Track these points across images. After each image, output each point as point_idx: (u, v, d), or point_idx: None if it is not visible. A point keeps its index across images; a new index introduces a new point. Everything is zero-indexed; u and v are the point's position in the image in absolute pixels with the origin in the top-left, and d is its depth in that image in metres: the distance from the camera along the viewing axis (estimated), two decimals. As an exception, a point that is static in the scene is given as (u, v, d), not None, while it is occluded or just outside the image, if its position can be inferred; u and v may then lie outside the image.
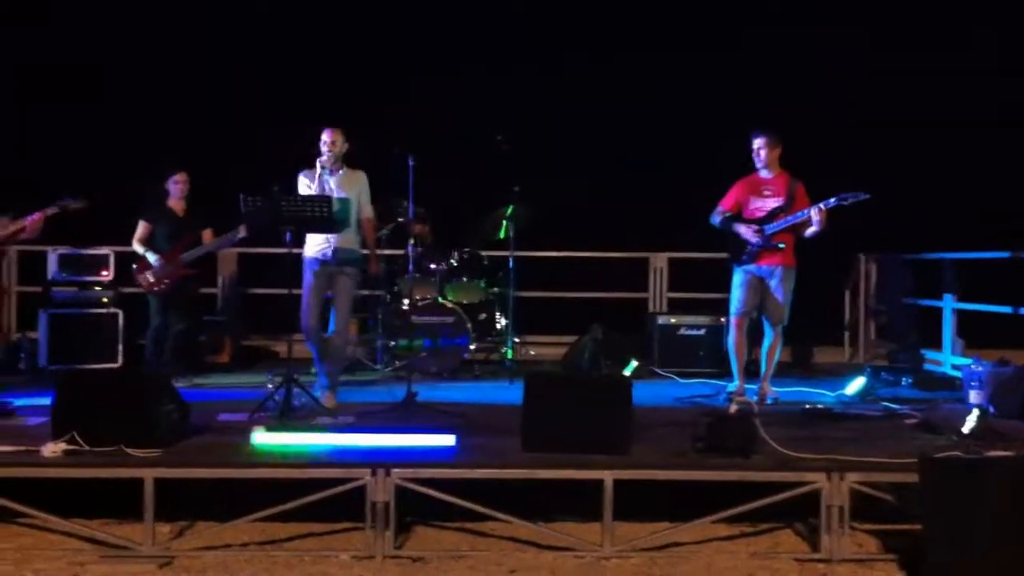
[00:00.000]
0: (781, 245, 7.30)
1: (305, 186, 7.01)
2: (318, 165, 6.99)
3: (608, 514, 5.19)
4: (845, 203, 6.97)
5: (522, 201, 9.13)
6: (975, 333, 9.57)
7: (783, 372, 8.10)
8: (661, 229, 10.99)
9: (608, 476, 5.23)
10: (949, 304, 9.49)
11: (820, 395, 7.85)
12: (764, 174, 7.41)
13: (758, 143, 7.35)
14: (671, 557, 5.17)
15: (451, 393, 7.85)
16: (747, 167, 7.47)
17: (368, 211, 7.22)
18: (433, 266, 9.34)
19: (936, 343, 9.58)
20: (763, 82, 11.92)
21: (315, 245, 7.01)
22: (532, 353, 10.02)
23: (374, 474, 5.20)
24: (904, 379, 8.53)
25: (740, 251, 7.41)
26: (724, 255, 7.60)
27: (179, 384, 6.84)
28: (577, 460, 5.38)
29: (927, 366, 9.37)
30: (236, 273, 10.65)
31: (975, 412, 6.22)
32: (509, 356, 9.20)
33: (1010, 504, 4.62)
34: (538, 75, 12.39)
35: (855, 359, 10.59)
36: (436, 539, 5.36)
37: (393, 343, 9.26)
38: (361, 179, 7.16)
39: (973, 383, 7.42)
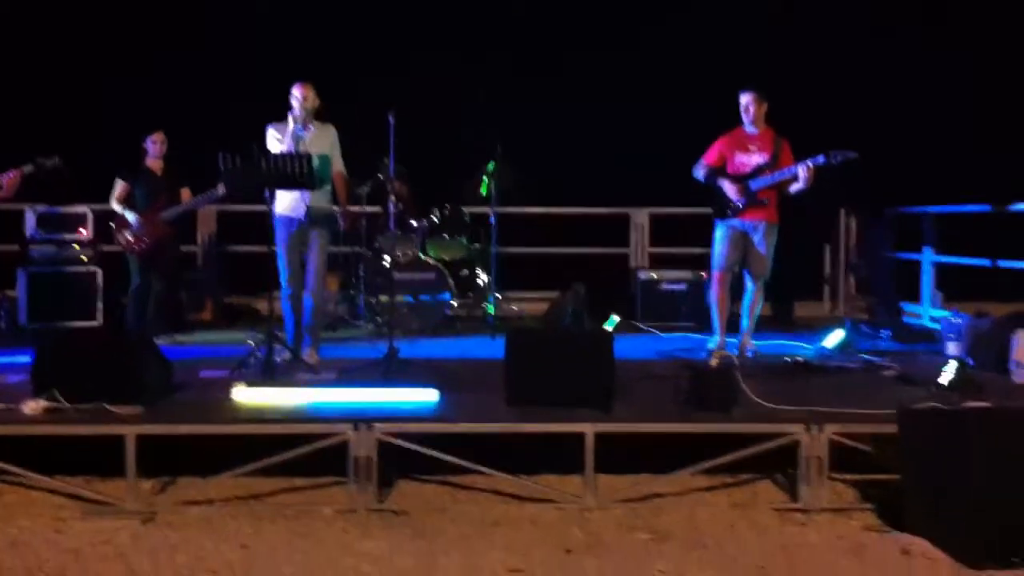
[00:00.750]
0: (765, 201, 7.31)
1: (275, 140, 6.92)
2: (289, 120, 6.91)
3: (590, 467, 5.23)
4: (834, 162, 6.95)
5: (504, 159, 9.10)
6: (953, 286, 9.63)
7: (763, 326, 8.14)
8: (643, 184, 10.98)
9: (589, 429, 5.26)
10: (928, 257, 9.54)
11: (800, 348, 7.89)
12: (750, 130, 7.40)
13: (746, 99, 7.33)
14: (653, 508, 5.22)
15: (433, 349, 7.86)
16: (730, 122, 7.46)
17: (340, 166, 7.15)
18: (414, 223, 9.32)
19: (915, 296, 9.64)
20: (744, 39, 11.88)
21: (288, 203, 6.94)
22: (514, 309, 10.03)
23: (356, 429, 5.21)
24: (883, 332, 8.59)
25: (724, 206, 7.41)
26: (706, 210, 7.60)
27: (161, 342, 6.83)
28: (559, 414, 5.41)
29: (906, 319, 9.44)
30: (216, 231, 10.61)
31: (953, 364, 6.28)
32: (491, 312, 9.21)
33: (987, 455, 4.66)
34: (521, 32, 12.31)
35: (835, 312, 10.65)
36: (419, 493, 5.39)
37: (374, 300, 9.26)
38: (332, 134, 7.08)
39: (951, 335, 7.49)
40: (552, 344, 5.94)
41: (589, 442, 5.24)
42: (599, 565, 4.49)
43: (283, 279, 6.96)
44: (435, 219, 9.41)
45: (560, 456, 5.42)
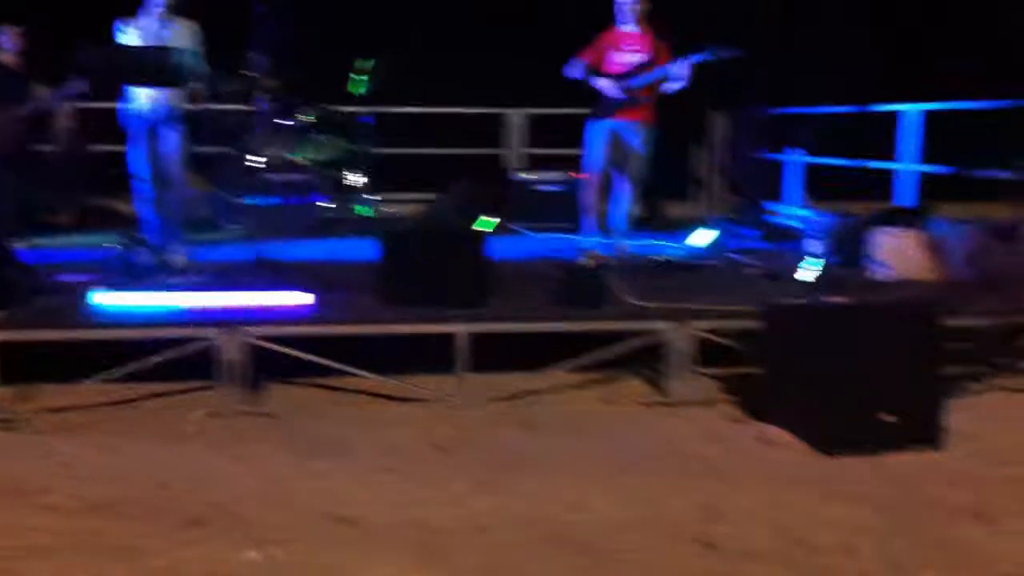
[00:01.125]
0: (642, 100, 7.30)
1: (132, 37, 6.61)
2: (144, 16, 6.59)
3: (462, 366, 5.27)
4: (714, 58, 6.95)
5: (379, 57, 8.91)
6: (819, 185, 9.88)
7: (635, 225, 8.24)
8: (519, 84, 10.90)
9: (462, 329, 5.29)
10: (795, 157, 9.75)
11: (670, 247, 8.02)
12: (628, 29, 7.35)
13: None
14: (524, 405, 5.30)
15: (305, 252, 7.75)
16: (606, 22, 7.40)
17: (203, 64, 6.88)
18: (285, 122, 9.09)
19: (782, 195, 9.86)
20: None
21: (147, 100, 6.68)
22: (389, 211, 9.93)
23: (224, 332, 5.13)
24: (750, 231, 8.78)
25: (601, 105, 7.40)
26: (583, 110, 7.57)
27: (19, 246, 6.58)
28: (432, 314, 5.42)
29: (772, 218, 9.66)
30: (76, 129, 10.17)
31: (815, 262, 6.47)
32: (365, 214, 9.10)
33: (845, 348, 4.84)
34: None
35: (704, 212, 10.83)
36: (290, 396, 5.37)
37: (244, 201, 9.05)
38: (196, 30, 6.79)
39: (815, 234, 7.69)
40: (425, 245, 5.92)
41: (461, 341, 5.27)
42: (470, 460, 4.55)
43: (143, 179, 6.74)
44: (307, 118, 9.20)
45: (435, 356, 5.44)
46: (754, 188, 10.10)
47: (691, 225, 8.64)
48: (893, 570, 3.51)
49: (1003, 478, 4.37)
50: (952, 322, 5.50)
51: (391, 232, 6.21)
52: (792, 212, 9.65)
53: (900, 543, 3.72)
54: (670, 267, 7.11)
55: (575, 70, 7.42)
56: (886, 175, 8.38)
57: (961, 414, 5.12)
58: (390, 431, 4.93)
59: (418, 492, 4.18)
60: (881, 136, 8.60)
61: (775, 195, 9.96)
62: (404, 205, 10.12)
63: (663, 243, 8.22)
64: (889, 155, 8.40)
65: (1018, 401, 5.53)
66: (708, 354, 5.54)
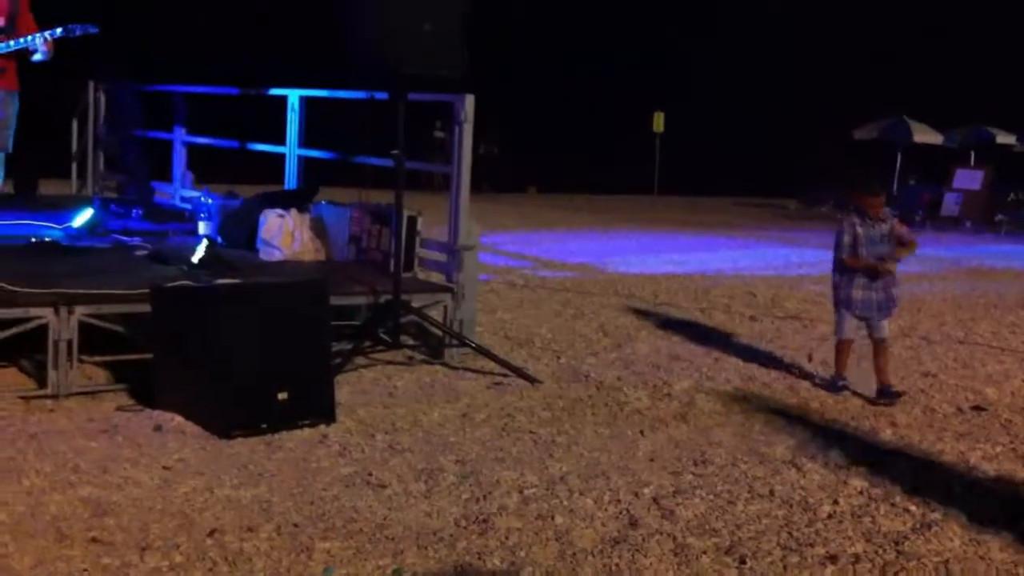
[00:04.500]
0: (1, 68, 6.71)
1: None
2: None
3: None
4: (73, 35, 6.60)
5: None
6: (204, 166, 9.78)
7: (5, 204, 7.57)
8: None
9: None
10: (179, 137, 9.56)
11: (47, 228, 7.46)
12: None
13: None
14: None
15: None
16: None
17: None
18: None
19: (166, 175, 9.62)
20: None
21: None
22: None
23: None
24: (134, 211, 8.47)
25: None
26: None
27: None
28: None
29: (157, 198, 9.40)
30: None
31: (204, 243, 6.41)
32: None
33: (234, 328, 4.81)
34: None
35: (83, 191, 10.24)
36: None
37: None
38: None
39: (202, 215, 7.62)
40: None
41: None
42: None
43: None
44: None
45: None
46: (137, 166, 9.73)
47: (70, 204, 8.09)
48: (294, 545, 3.57)
49: (385, 446, 4.65)
50: (337, 300, 5.76)
51: None
52: (179, 192, 9.46)
53: (298, 517, 3.79)
54: (49, 249, 6.61)
55: None
56: (273, 158, 8.46)
57: (346, 388, 5.39)
58: None
59: None
60: (268, 119, 8.64)
61: (161, 174, 9.67)
62: None
63: (39, 223, 7.60)
64: (276, 138, 8.47)
65: (394, 373, 5.92)
66: (94, 340, 5.23)
